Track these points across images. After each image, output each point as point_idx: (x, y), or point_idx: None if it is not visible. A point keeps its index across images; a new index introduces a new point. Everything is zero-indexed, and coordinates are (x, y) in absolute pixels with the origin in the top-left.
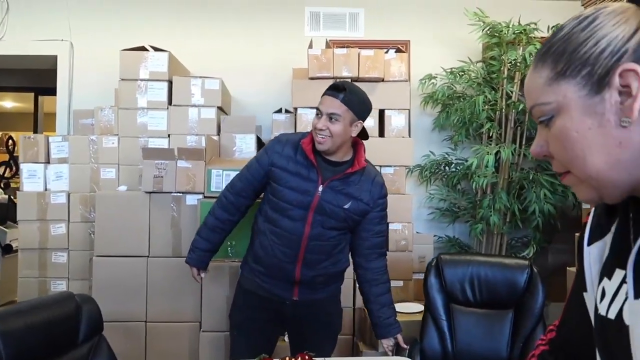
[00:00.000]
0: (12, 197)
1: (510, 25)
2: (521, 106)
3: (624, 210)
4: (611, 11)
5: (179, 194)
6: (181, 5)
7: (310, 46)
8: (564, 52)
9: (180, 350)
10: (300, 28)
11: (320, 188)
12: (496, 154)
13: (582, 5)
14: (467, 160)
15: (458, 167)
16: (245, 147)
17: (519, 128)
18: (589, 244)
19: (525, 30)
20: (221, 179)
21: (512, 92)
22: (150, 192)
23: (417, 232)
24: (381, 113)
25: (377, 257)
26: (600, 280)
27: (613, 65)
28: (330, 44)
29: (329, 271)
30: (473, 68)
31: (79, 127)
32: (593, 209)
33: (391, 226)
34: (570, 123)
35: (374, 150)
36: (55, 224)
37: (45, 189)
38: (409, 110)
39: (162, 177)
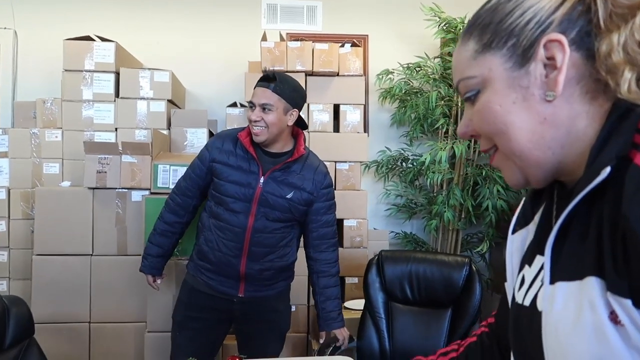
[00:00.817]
0: None
1: (466, 21)
2: None
3: (550, 197)
4: None
5: (123, 190)
6: None
7: (264, 39)
8: (490, 23)
9: (126, 351)
10: (257, 20)
11: (262, 180)
12: (451, 149)
13: None
14: (422, 156)
15: (414, 163)
16: (196, 142)
17: None
18: (512, 233)
19: None
20: (168, 174)
21: None
22: (93, 188)
23: (374, 229)
24: (336, 108)
25: (327, 247)
26: (521, 268)
27: (538, 36)
28: (286, 37)
29: (275, 265)
30: (430, 64)
31: (21, 120)
32: (523, 199)
33: (346, 222)
34: (495, 96)
35: (328, 146)
36: None
37: None
38: (365, 105)
39: (105, 172)
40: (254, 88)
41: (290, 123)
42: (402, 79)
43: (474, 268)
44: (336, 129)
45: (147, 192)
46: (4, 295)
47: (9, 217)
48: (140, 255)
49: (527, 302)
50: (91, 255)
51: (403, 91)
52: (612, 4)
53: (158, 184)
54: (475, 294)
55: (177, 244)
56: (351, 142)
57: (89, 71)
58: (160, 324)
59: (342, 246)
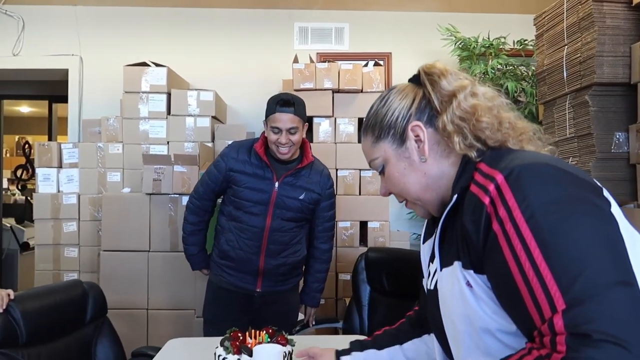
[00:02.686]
0: (28, 198)
1: (480, 40)
2: None
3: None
4: (397, 90)
5: (175, 195)
6: (181, 22)
7: (296, 61)
8: (376, 123)
9: (178, 335)
10: (290, 42)
11: (277, 184)
12: None
13: (534, 24)
14: None
15: None
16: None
17: None
18: (423, 243)
19: (492, 44)
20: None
21: None
22: (150, 194)
23: (398, 230)
24: (360, 121)
25: (326, 239)
26: (428, 265)
27: (405, 124)
28: (316, 57)
29: (289, 260)
30: None
31: (88, 134)
32: (425, 222)
33: (370, 224)
34: (393, 168)
35: (353, 155)
36: (67, 223)
37: (58, 191)
38: None
39: (160, 180)
40: (275, 113)
41: (304, 135)
42: None
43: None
44: (360, 139)
45: None
46: (83, 281)
47: (79, 219)
48: None
49: (431, 287)
50: (148, 251)
51: None
52: (439, 94)
53: None
54: None
55: (206, 238)
56: None
57: (145, 92)
58: None
59: (365, 245)
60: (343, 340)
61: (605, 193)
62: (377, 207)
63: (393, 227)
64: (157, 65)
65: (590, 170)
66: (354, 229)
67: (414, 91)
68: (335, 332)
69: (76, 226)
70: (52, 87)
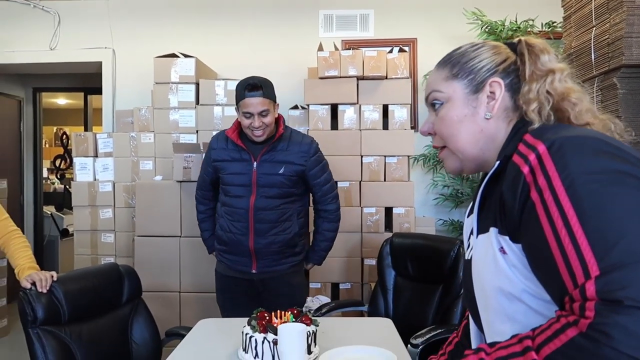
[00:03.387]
0: (67, 186)
1: (507, 23)
2: None
3: None
4: (492, 45)
5: None
6: (208, 13)
7: (320, 49)
8: (459, 62)
9: (209, 316)
10: (315, 29)
11: (255, 164)
12: None
13: (562, 6)
14: None
15: None
16: None
17: None
18: (467, 217)
19: (520, 27)
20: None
21: None
22: (180, 181)
23: (423, 216)
24: (385, 107)
25: (330, 200)
26: (469, 238)
27: (487, 77)
28: (341, 44)
29: (279, 238)
30: None
31: (121, 125)
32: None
33: (395, 210)
34: (454, 110)
35: (378, 142)
36: (104, 209)
37: (95, 179)
38: (413, 104)
39: (190, 168)
40: (244, 99)
41: (276, 115)
42: None
43: (461, 251)
44: (385, 126)
45: None
46: (119, 264)
47: (114, 205)
48: None
49: (468, 257)
50: (180, 236)
51: None
52: (535, 68)
53: None
54: (459, 273)
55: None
56: (399, 138)
57: (175, 83)
58: None
59: (391, 230)
60: (368, 323)
61: None
62: (402, 193)
63: (418, 212)
64: (185, 56)
65: None
66: (379, 215)
67: (506, 53)
68: (360, 314)
69: (112, 213)
70: (87, 80)
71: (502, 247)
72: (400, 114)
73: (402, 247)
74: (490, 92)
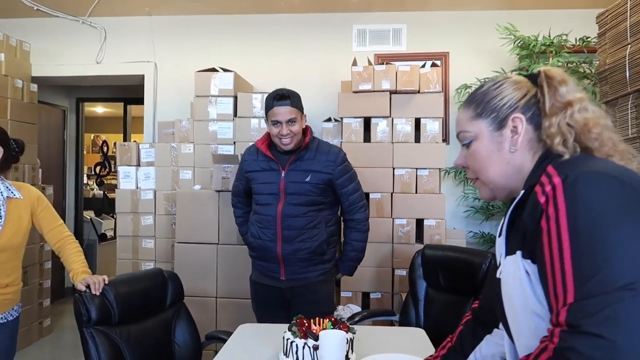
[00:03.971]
0: (105, 193)
1: (540, 38)
2: None
3: None
4: (513, 80)
5: None
6: (245, 28)
7: (355, 64)
8: (482, 101)
9: (243, 321)
10: (349, 44)
11: (283, 173)
12: None
13: (597, 23)
14: None
15: None
16: None
17: None
18: (499, 237)
19: (553, 42)
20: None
21: None
22: (219, 191)
23: (454, 228)
24: (417, 121)
25: (357, 210)
26: (499, 257)
27: (509, 113)
28: (374, 58)
29: (306, 245)
30: None
31: (162, 135)
32: (504, 217)
33: (426, 222)
34: (482, 147)
35: (410, 154)
36: (145, 216)
37: (137, 187)
38: (445, 117)
39: (228, 178)
40: (273, 108)
41: (303, 126)
42: None
43: (493, 263)
44: (417, 139)
45: None
46: (164, 270)
47: (155, 213)
48: None
49: (498, 276)
50: (217, 244)
51: None
52: (554, 98)
53: None
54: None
55: None
56: (431, 150)
57: (214, 96)
58: None
59: (422, 242)
60: (399, 332)
61: None
62: (433, 205)
63: (449, 225)
64: (224, 70)
65: None
66: (410, 226)
67: (527, 87)
68: (390, 324)
69: (152, 219)
70: (126, 90)
71: (526, 270)
72: (432, 127)
73: (434, 258)
74: (513, 127)
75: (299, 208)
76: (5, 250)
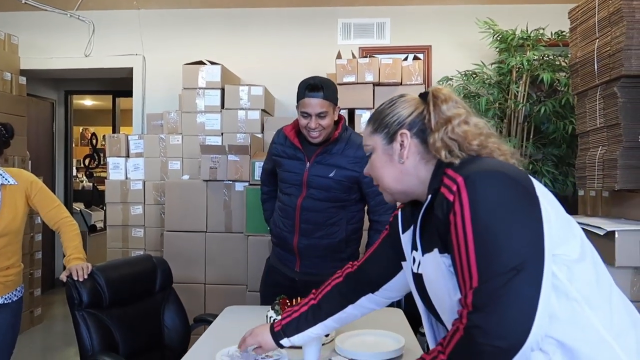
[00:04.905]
0: (95, 185)
1: (517, 33)
2: (527, 105)
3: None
4: (405, 99)
5: (229, 182)
6: (232, 22)
7: (339, 56)
8: (378, 119)
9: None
10: (334, 37)
11: (308, 165)
12: None
13: (569, 18)
14: None
15: None
16: None
17: (526, 124)
18: (403, 232)
19: (530, 36)
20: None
21: (517, 92)
22: (207, 180)
23: None
24: None
25: (385, 211)
26: (411, 252)
27: (397, 129)
28: (358, 51)
29: (323, 241)
30: (486, 70)
31: (151, 127)
32: (399, 210)
33: None
34: (377, 158)
35: None
36: (134, 206)
37: (126, 178)
38: None
39: (216, 168)
40: (304, 98)
41: (336, 118)
42: (460, 84)
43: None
44: None
45: (247, 184)
46: (153, 256)
47: (144, 203)
48: (242, 232)
49: (420, 271)
50: (205, 232)
51: (461, 95)
52: (437, 115)
53: (255, 177)
54: None
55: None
56: None
57: (202, 88)
58: (257, 285)
59: None
60: (378, 312)
61: (537, 190)
62: None
63: None
64: (212, 63)
65: (617, 158)
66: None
67: (416, 105)
68: None
69: (142, 209)
70: (115, 83)
71: (445, 264)
72: None
73: None
74: (401, 142)
75: (319, 203)
76: (3, 235)
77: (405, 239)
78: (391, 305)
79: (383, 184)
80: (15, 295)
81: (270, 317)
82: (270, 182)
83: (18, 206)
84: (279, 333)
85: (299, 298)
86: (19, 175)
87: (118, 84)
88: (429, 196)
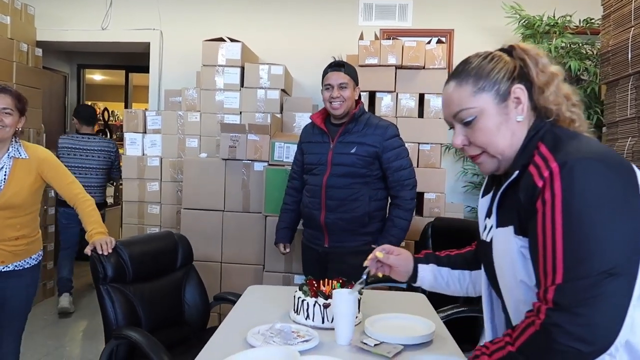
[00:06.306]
0: None
1: (545, 18)
2: None
3: (499, 179)
4: (496, 53)
5: (248, 161)
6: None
7: (361, 37)
8: (481, 76)
9: (247, 286)
10: (355, 18)
11: (332, 145)
12: None
13: (602, 4)
14: None
15: None
16: (303, 124)
17: None
18: (481, 197)
19: (557, 22)
20: (283, 150)
21: None
22: (225, 159)
23: (452, 202)
24: (421, 96)
25: (402, 188)
26: (485, 219)
27: (510, 85)
28: (380, 33)
29: (346, 215)
30: None
31: (169, 103)
32: (486, 178)
33: (426, 195)
34: (489, 120)
35: (413, 129)
36: (151, 183)
37: (143, 154)
38: None
39: (235, 147)
40: (326, 74)
41: (357, 97)
42: None
43: None
44: (420, 114)
45: (266, 164)
46: (174, 233)
47: (161, 179)
48: (259, 212)
49: (487, 239)
50: (223, 211)
51: None
52: (538, 71)
53: (275, 157)
54: None
55: (298, 220)
56: (433, 126)
57: (221, 66)
58: (274, 265)
59: (421, 215)
60: (401, 296)
61: None
62: (434, 179)
63: (447, 199)
64: (232, 40)
65: None
66: None
67: (512, 60)
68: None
69: (158, 186)
70: (128, 58)
71: (518, 245)
72: (435, 103)
73: (442, 230)
74: (516, 98)
75: (342, 179)
76: (6, 208)
77: (482, 204)
78: (414, 289)
79: (496, 149)
80: (28, 262)
81: (298, 298)
82: (296, 188)
83: (25, 181)
84: (418, 258)
85: (326, 280)
86: (33, 151)
87: (131, 58)
88: (516, 173)
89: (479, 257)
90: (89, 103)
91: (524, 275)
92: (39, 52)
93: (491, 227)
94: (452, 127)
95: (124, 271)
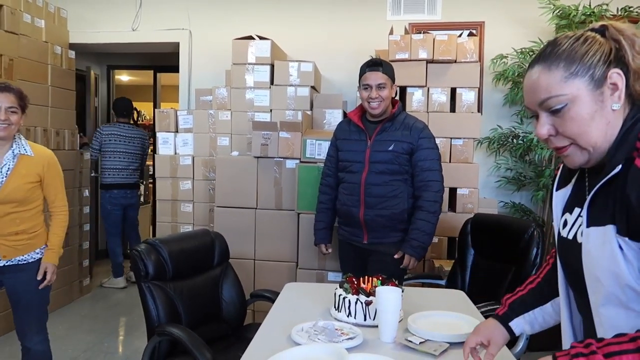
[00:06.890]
0: None
1: (580, 8)
2: None
3: (581, 171)
4: (591, 36)
5: (280, 159)
6: None
7: (391, 32)
8: (573, 60)
9: (281, 283)
10: (383, 12)
11: (369, 142)
12: None
13: None
14: (531, 134)
15: (524, 140)
16: (333, 120)
17: None
18: (556, 190)
19: (594, 12)
20: (314, 147)
21: None
22: (258, 157)
23: (484, 198)
24: (453, 90)
25: (426, 189)
26: (563, 214)
27: (605, 70)
28: (409, 28)
29: (386, 211)
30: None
31: (200, 103)
32: (559, 169)
33: (459, 190)
34: (583, 108)
35: (445, 124)
36: (184, 181)
37: (175, 153)
38: (479, 88)
39: (267, 145)
40: (365, 73)
41: (394, 95)
42: (515, 62)
43: (535, 233)
44: (452, 109)
45: (297, 161)
46: (210, 231)
47: (193, 178)
48: (292, 210)
49: (570, 237)
50: (255, 208)
51: (516, 74)
52: (635, 54)
53: (307, 155)
54: (530, 255)
55: (335, 216)
56: (465, 120)
57: (251, 64)
58: (307, 262)
59: (454, 211)
60: (441, 293)
61: None
62: (467, 174)
63: (480, 194)
64: (261, 38)
65: None
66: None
67: (606, 42)
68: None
69: (191, 185)
70: (156, 58)
71: (620, 245)
72: (467, 97)
73: (483, 226)
74: (612, 84)
75: (380, 176)
76: (6, 202)
77: (559, 197)
78: (454, 287)
79: (588, 140)
80: (31, 257)
81: (339, 295)
82: (330, 185)
83: (26, 178)
84: (505, 315)
85: (366, 277)
86: (40, 151)
87: (159, 59)
88: (619, 167)
89: (558, 254)
90: None
91: (630, 280)
92: (72, 54)
93: (573, 223)
94: (533, 115)
95: (164, 269)
